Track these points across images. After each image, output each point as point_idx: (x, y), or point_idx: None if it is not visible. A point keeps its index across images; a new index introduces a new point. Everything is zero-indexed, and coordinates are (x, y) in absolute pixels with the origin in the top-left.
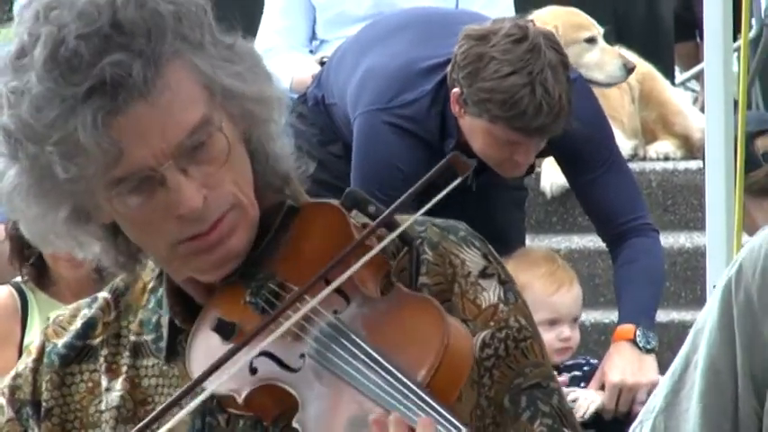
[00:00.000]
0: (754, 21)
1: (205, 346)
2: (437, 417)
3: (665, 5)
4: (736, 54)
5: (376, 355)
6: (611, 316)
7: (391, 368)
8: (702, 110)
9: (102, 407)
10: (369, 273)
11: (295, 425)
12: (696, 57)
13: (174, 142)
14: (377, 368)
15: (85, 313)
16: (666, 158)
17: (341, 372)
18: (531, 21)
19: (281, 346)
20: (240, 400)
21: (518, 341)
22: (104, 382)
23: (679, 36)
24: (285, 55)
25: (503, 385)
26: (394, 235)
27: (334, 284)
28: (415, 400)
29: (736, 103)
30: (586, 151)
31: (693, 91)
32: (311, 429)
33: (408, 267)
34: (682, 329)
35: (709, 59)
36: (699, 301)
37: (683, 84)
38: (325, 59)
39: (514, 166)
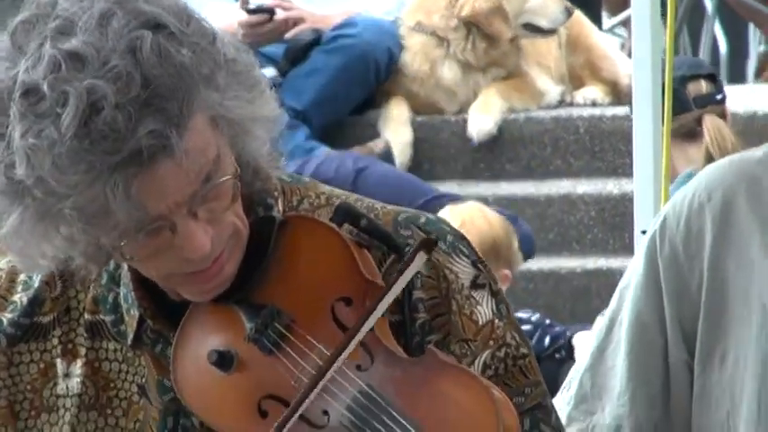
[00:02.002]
0: None
1: (196, 371)
2: None
3: None
4: None
5: None
6: (539, 263)
7: None
8: (630, 55)
9: (60, 391)
10: (382, 320)
11: None
12: (624, 2)
13: (190, 192)
14: None
15: (24, 280)
16: (594, 104)
17: None
18: None
19: (296, 394)
20: None
21: (516, 359)
22: (61, 366)
23: None
24: (211, 5)
25: None
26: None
27: (360, 335)
28: None
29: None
30: None
31: (620, 36)
32: None
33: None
34: (610, 276)
35: (636, 4)
36: (627, 247)
37: (610, 30)
38: (249, 5)
39: None
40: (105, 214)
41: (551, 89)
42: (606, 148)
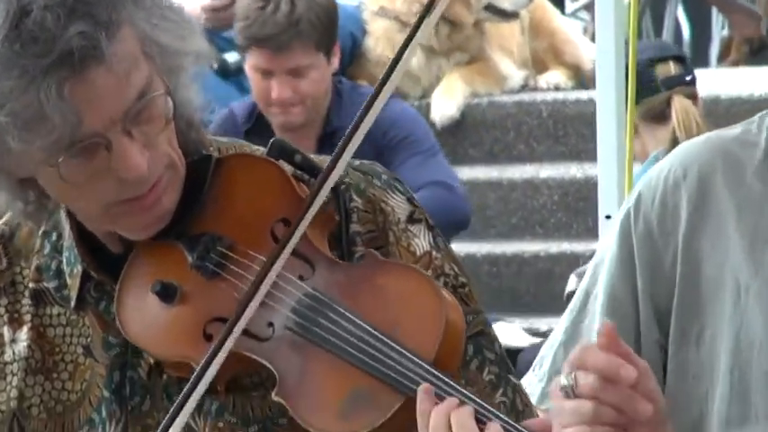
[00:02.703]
0: None
1: (140, 307)
2: (451, 390)
3: None
4: None
5: (371, 329)
6: (502, 247)
7: (391, 343)
8: (593, 39)
9: (7, 358)
10: (319, 231)
11: (276, 398)
12: None
13: (124, 107)
14: (374, 342)
15: None
16: (557, 88)
17: (332, 347)
18: None
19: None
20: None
21: (456, 288)
22: (7, 333)
23: None
24: None
25: None
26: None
27: (293, 242)
28: (426, 375)
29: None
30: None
31: (583, 20)
32: (301, 406)
33: (339, 215)
34: (573, 260)
35: None
36: (590, 231)
37: (572, 14)
38: None
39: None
40: (41, 119)
41: (514, 74)
42: (569, 132)
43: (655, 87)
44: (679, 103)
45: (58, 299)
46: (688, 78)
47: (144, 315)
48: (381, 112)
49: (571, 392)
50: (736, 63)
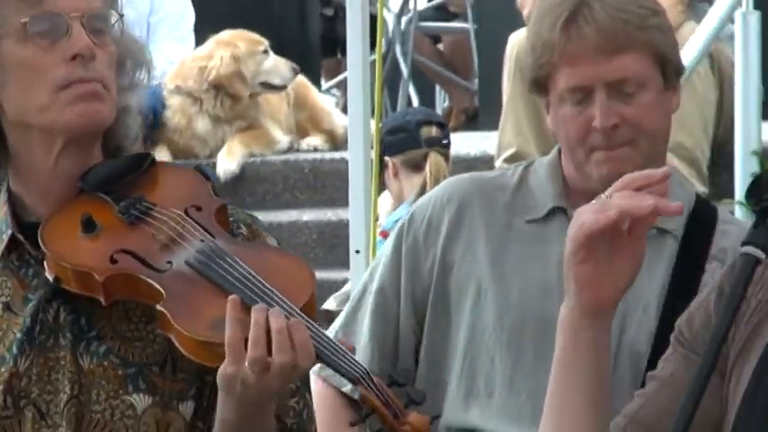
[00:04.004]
0: (384, 41)
1: (65, 231)
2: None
3: (312, 28)
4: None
5: (261, 280)
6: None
7: (266, 284)
8: (344, 111)
9: None
10: (219, 224)
11: (160, 308)
12: (337, 69)
13: (92, 4)
14: (254, 281)
15: None
16: (316, 150)
17: (219, 279)
18: None
19: (147, 250)
20: (99, 278)
21: None
22: None
23: (324, 53)
24: None
25: None
26: None
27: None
28: (290, 311)
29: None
30: None
31: (335, 96)
32: (180, 314)
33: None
34: (331, 286)
35: (351, 70)
36: (344, 263)
37: (327, 90)
38: None
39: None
40: None
41: (282, 138)
42: (326, 184)
43: (418, 143)
44: (434, 159)
45: None
46: (444, 141)
47: (66, 236)
48: None
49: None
50: (454, 129)
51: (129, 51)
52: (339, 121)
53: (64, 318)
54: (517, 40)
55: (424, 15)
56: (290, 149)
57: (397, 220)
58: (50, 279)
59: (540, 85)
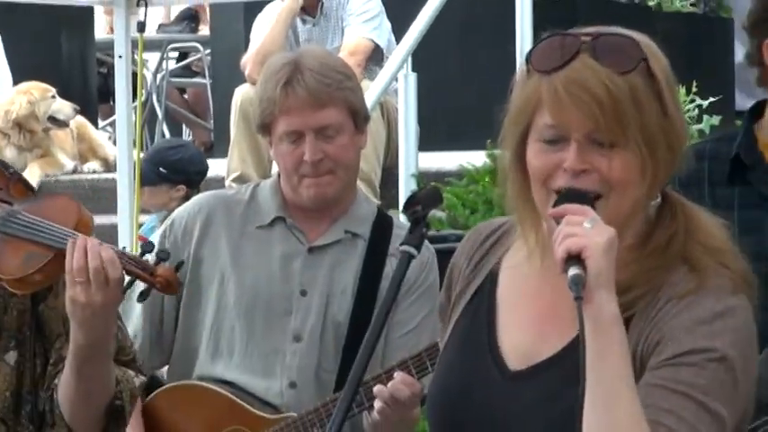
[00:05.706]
0: (144, 92)
1: None
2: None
3: (91, 81)
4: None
5: (38, 219)
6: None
7: (51, 223)
8: (114, 143)
9: None
10: (18, 194)
11: None
12: (110, 112)
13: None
14: (40, 224)
15: None
16: (94, 172)
17: (18, 232)
18: None
19: None
20: None
21: None
22: None
23: (100, 99)
24: None
25: None
26: None
27: None
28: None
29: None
30: None
31: (109, 131)
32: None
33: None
34: None
35: (119, 113)
36: None
37: (103, 128)
38: None
39: None
40: None
41: (69, 163)
42: (102, 197)
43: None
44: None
45: None
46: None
47: None
48: None
49: None
50: None
51: None
52: (111, 150)
53: None
54: (241, 93)
55: (174, 73)
56: (74, 171)
57: (152, 227)
58: None
59: (264, 128)
